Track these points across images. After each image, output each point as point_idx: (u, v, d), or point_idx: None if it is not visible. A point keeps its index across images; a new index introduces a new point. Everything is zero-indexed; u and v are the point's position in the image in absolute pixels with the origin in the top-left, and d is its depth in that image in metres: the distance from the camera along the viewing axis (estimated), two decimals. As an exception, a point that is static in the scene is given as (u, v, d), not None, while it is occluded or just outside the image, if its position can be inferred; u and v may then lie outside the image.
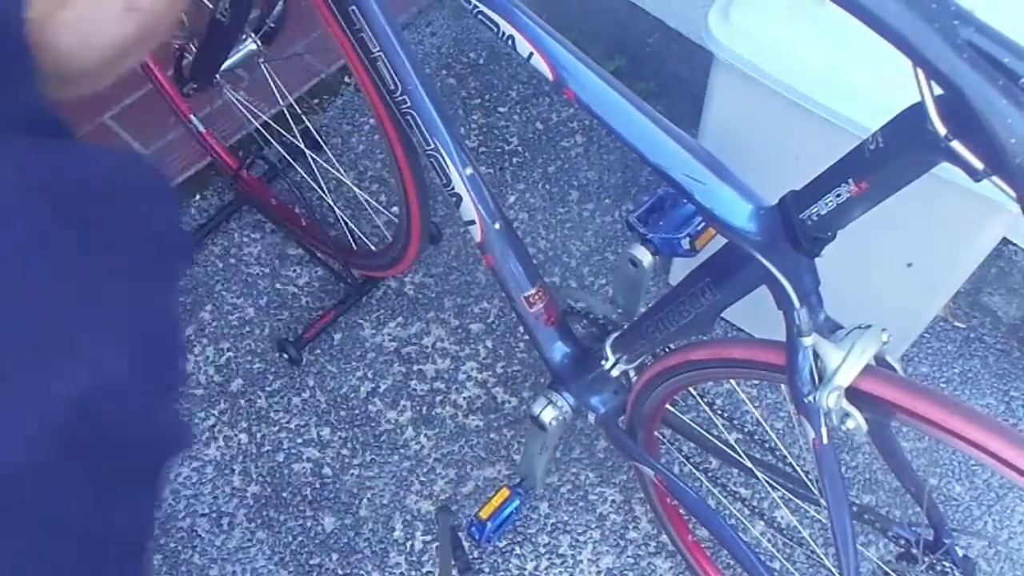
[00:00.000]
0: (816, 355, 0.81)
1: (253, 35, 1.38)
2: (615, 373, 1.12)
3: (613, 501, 1.51)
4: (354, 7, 1.01)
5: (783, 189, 0.77)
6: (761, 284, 0.83)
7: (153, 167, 0.46)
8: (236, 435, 1.56)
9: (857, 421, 0.81)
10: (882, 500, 1.50)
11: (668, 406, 1.15)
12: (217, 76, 1.43)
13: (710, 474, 1.34)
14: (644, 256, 1.05)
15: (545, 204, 1.77)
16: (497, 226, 1.09)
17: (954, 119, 0.59)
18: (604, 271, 1.70)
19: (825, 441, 0.85)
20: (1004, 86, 0.54)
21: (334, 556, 1.47)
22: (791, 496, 1.16)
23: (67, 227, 0.39)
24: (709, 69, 1.23)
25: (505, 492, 1.34)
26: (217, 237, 1.73)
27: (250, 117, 1.56)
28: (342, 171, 1.68)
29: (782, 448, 1.14)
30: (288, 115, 1.56)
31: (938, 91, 0.58)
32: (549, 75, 0.86)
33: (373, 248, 1.61)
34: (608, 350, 1.12)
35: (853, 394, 0.80)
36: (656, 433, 1.23)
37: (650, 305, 1.02)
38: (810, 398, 0.82)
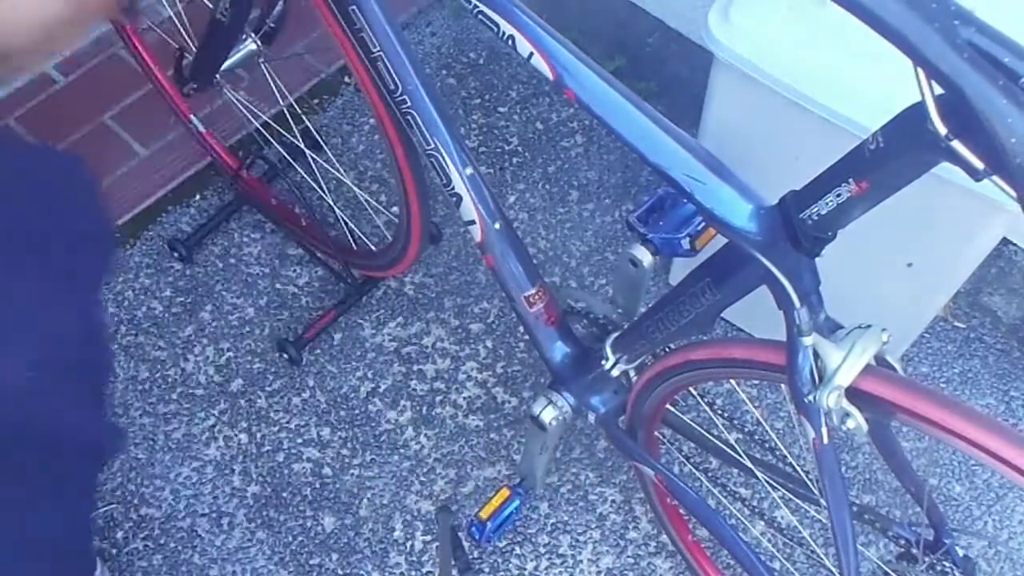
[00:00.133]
0: (816, 355, 0.81)
1: (253, 35, 1.39)
2: (615, 373, 1.12)
3: (613, 501, 1.51)
4: (354, 7, 1.01)
5: (783, 189, 0.77)
6: (761, 284, 0.83)
7: (71, 159, 0.46)
8: (236, 435, 1.56)
9: (857, 421, 0.81)
10: (882, 500, 1.50)
11: (668, 406, 1.15)
12: (217, 76, 1.44)
13: (710, 474, 1.34)
14: (644, 256, 1.05)
15: (545, 204, 1.77)
16: (497, 226, 1.09)
17: (954, 119, 0.59)
18: (604, 271, 1.70)
19: (825, 441, 0.85)
20: (1004, 86, 0.54)
21: (334, 556, 1.47)
22: (791, 496, 1.16)
23: None
24: (709, 69, 1.23)
25: (505, 492, 1.34)
26: (217, 237, 1.73)
27: (250, 117, 1.56)
28: (342, 171, 1.69)
29: (782, 448, 1.14)
30: (288, 115, 1.57)
31: (938, 91, 0.59)
32: (549, 75, 0.86)
33: (373, 248, 1.61)
34: (608, 350, 1.12)
35: (853, 394, 0.80)
36: (656, 433, 1.23)
37: (650, 305, 1.02)
38: (810, 398, 0.82)
